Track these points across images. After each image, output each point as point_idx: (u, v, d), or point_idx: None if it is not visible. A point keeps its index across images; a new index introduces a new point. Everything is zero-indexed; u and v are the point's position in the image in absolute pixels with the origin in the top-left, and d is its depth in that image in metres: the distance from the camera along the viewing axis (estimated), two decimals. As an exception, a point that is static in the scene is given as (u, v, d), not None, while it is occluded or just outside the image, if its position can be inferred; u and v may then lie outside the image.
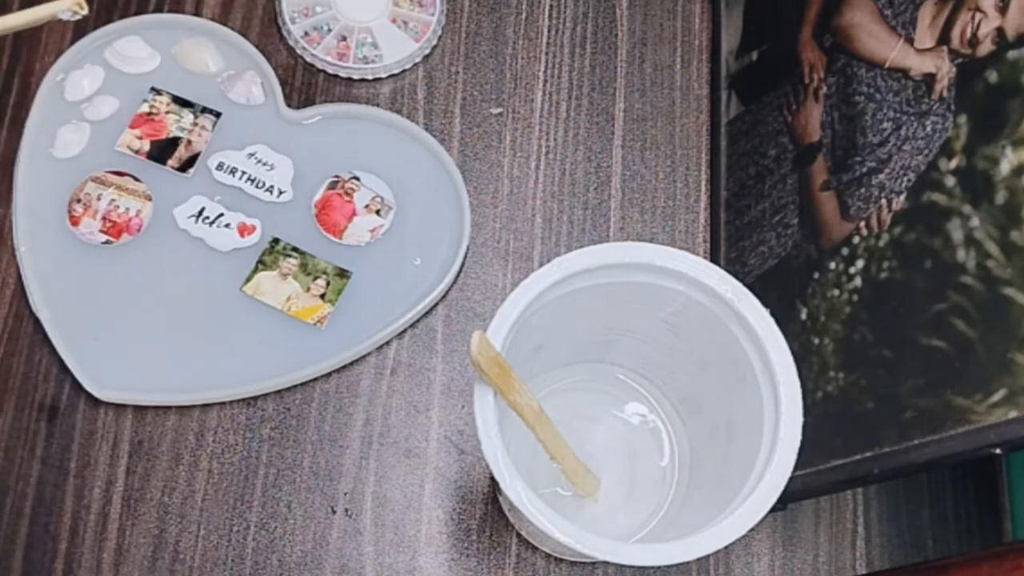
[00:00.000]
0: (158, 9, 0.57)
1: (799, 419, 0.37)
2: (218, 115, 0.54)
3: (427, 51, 0.58)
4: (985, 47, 0.38)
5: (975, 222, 0.37)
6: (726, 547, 0.35)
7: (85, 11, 0.41)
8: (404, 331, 0.52)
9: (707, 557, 0.49)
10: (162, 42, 0.56)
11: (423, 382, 0.51)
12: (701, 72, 0.59)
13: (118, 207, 0.52)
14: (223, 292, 0.51)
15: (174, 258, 0.51)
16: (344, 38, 0.57)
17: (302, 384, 0.51)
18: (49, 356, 0.50)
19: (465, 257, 0.53)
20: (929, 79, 0.41)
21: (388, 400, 0.51)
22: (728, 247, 0.53)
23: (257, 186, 0.53)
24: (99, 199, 0.52)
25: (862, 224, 0.43)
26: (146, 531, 0.48)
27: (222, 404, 0.50)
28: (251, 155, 0.54)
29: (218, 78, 0.55)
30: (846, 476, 0.41)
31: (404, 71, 0.57)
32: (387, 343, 0.52)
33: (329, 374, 0.51)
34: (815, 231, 0.47)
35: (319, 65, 0.56)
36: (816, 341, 0.45)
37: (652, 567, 0.48)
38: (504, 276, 0.54)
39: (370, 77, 0.57)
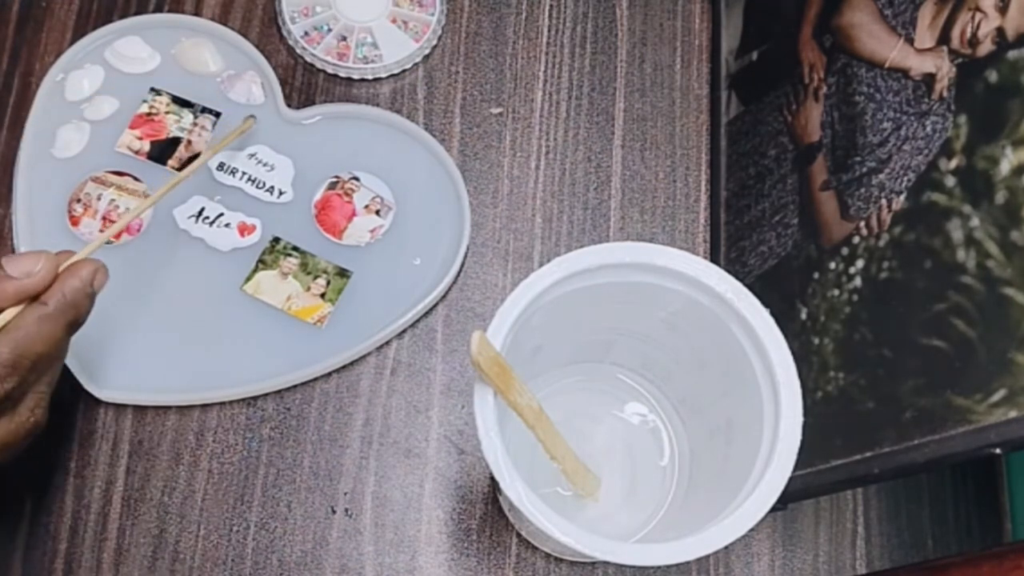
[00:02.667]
0: (158, 9, 0.57)
1: (799, 419, 0.37)
2: (218, 115, 0.54)
3: (427, 51, 0.58)
4: (985, 47, 0.38)
5: (975, 222, 0.37)
6: (726, 547, 0.35)
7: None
8: (404, 331, 0.52)
9: (707, 557, 0.49)
10: (162, 42, 0.56)
11: (423, 382, 0.51)
12: (701, 72, 0.59)
13: (118, 207, 0.52)
14: (223, 291, 0.51)
15: (174, 258, 0.51)
16: (344, 38, 0.57)
17: (302, 384, 0.51)
18: (49, 356, 0.50)
19: (465, 257, 0.53)
20: (929, 79, 0.41)
21: (388, 400, 0.51)
22: (728, 247, 0.53)
23: (257, 186, 0.53)
24: (99, 199, 0.52)
25: (862, 224, 0.43)
26: (146, 531, 0.48)
27: (222, 404, 0.50)
28: (251, 155, 0.54)
29: (218, 78, 0.55)
30: (846, 476, 0.41)
31: (404, 71, 0.57)
32: (387, 343, 0.52)
33: (329, 374, 0.51)
34: (815, 231, 0.47)
35: (319, 65, 0.56)
36: (816, 341, 0.45)
37: (652, 567, 0.48)
38: (504, 276, 0.54)
39: (370, 77, 0.57)
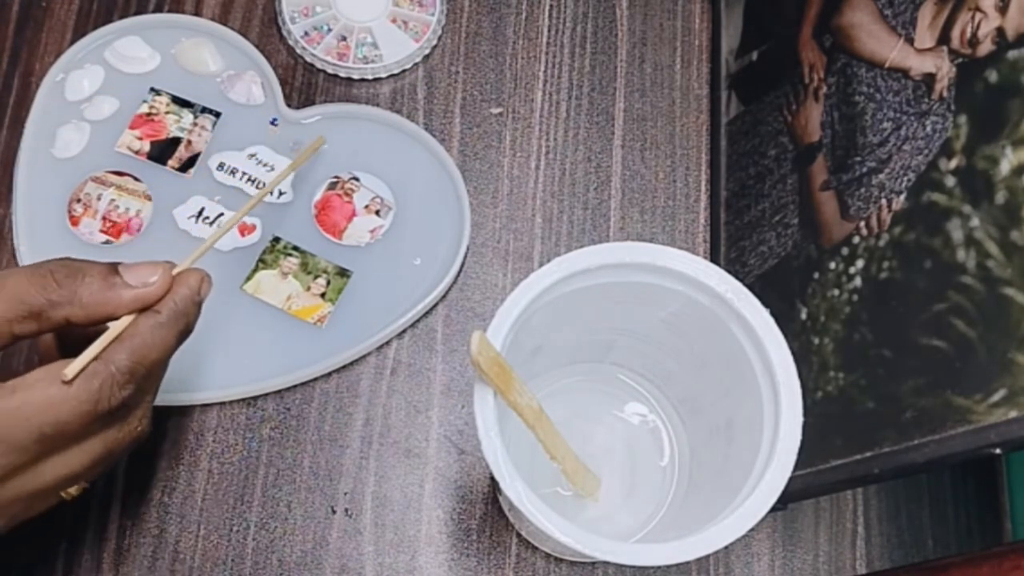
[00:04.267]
0: (158, 9, 0.57)
1: (799, 419, 0.37)
2: (218, 115, 0.54)
3: (427, 51, 0.58)
4: (985, 47, 0.38)
5: (975, 222, 0.37)
6: (726, 547, 0.35)
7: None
8: (404, 331, 0.52)
9: (707, 557, 0.49)
10: (162, 42, 0.56)
11: (423, 382, 0.51)
12: (701, 72, 0.59)
13: (118, 207, 0.52)
14: (224, 291, 0.51)
15: (174, 257, 0.51)
16: (344, 38, 0.57)
17: (302, 384, 0.51)
18: (49, 356, 0.50)
19: (465, 257, 0.53)
20: (929, 79, 0.41)
21: (388, 400, 0.51)
22: (728, 247, 0.53)
23: (257, 187, 0.53)
24: (99, 199, 0.52)
25: (862, 224, 0.43)
26: (146, 531, 0.48)
27: (222, 404, 0.50)
28: (251, 155, 0.54)
29: (218, 78, 0.55)
30: (846, 476, 0.41)
31: (404, 71, 0.57)
32: (387, 343, 0.52)
33: (329, 374, 0.51)
34: (815, 231, 0.47)
35: (319, 65, 0.56)
36: (816, 341, 0.45)
37: (652, 567, 0.48)
38: (504, 276, 0.54)
39: (370, 77, 0.57)
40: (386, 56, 0.57)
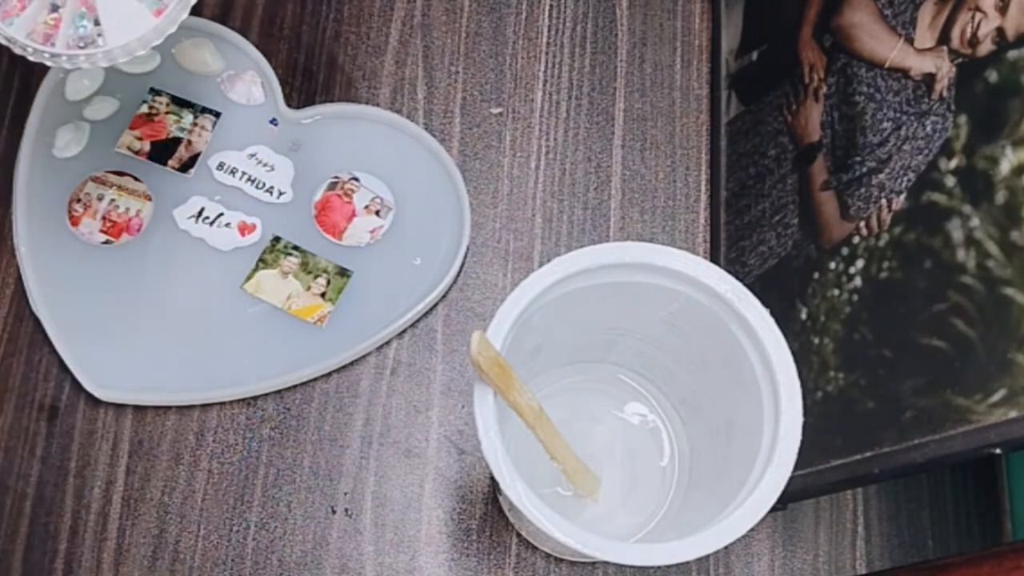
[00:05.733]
0: (158, 9, 0.57)
1: (799, 419, 0.37)
2: (218, 115, 0.54)
3: (171, 30, 0.44)
4: (985, 47, 0.38)
5: (975, 222, 0.37)
6: (726, 547, 0.35)
7: None
8: (404, 331, 0.52)
9: (707, 557, 0.49)
10: (162, 42, 0.55)
11: (423, 382, 0.51)
12: (701, 72, 0.59)
13: (118, 207, 0.52)
14: (223, 290, 0.51)
15: (174, 257, 0.51)
16: (56, 8, 0.42)
17: (302, 384, 0.51)
18: (49, 356, 0.50)
19: (465, 257, 0.53)
20: (929, 79, 0.41)
21: (388, 400, 0.51)
22: (728, 247, 0.53)
23: (257, 187, 0.53)
24: (99, 199, 0.52)
25: (862, 224, 0.43)
26: (146, 531, 0.48)
27: (222, 404, 0.50)
28: (251, 155, 0.54)
29: (218, 78, 0.55)
30: (846, 476, 0.41)
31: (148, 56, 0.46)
32: (387, 343, 0.52)
33: (329, 374, 0.51)
34: (815, 231, 0.47)
35: (16, 50, 0.42)
36: (816, 341, 0.45)
37: (652, 567, 0.48)
38: (504, 276, 0.54)
39: (85, 66, 0.42)
40: (109, 38, 0.42)
